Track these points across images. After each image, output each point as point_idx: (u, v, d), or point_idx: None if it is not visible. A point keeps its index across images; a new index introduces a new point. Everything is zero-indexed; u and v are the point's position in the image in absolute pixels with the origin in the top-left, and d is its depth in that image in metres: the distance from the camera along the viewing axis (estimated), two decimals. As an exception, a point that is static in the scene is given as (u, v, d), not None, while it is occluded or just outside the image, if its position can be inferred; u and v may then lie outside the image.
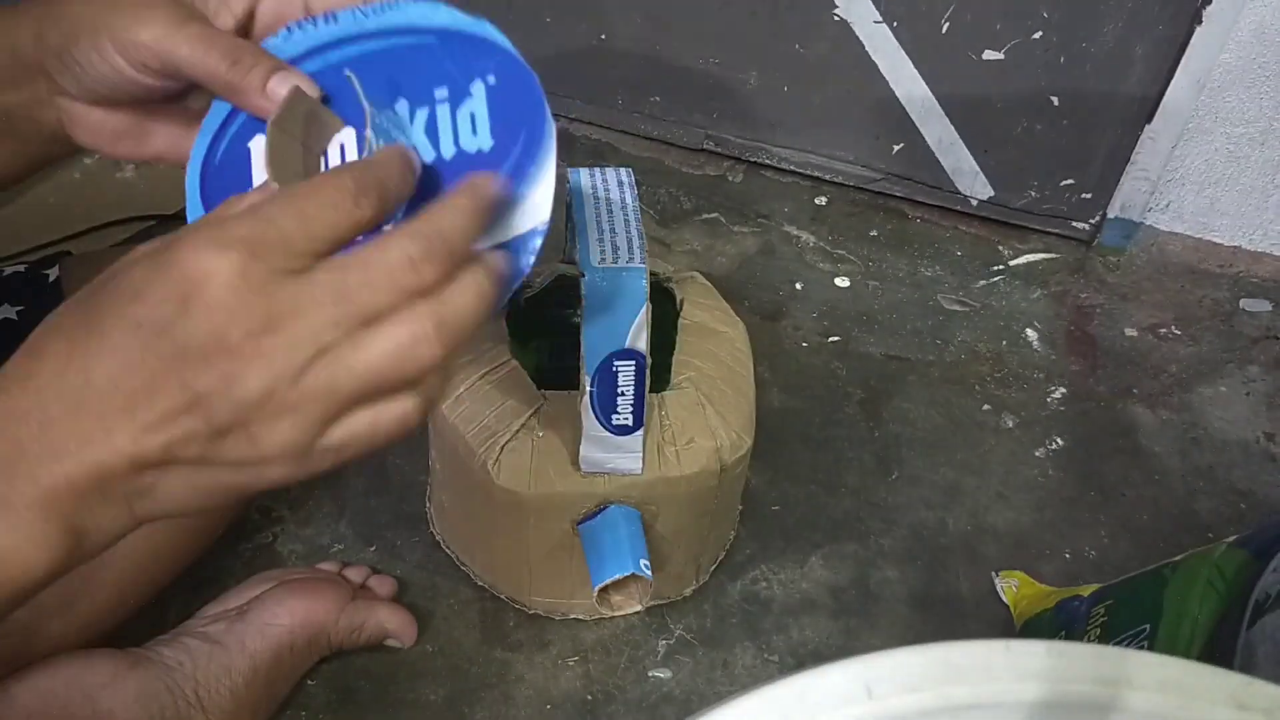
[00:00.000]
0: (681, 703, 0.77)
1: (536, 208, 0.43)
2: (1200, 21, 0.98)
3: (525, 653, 0.78)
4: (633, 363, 0.67)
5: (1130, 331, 1.08)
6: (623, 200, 0.69)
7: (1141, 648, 0.68)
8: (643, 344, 0.66)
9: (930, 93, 1.10)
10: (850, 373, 1.00)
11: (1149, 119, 1.05)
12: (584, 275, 0.64)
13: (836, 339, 1.03)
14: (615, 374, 0.67)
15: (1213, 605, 0.65)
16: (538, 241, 0.43)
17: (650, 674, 0.78)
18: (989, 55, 1.06)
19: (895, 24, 1.06)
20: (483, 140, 0.45)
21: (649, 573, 0.70)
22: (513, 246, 0.43)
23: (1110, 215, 1.12)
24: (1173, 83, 1.02)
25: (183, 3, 0.46)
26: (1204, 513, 0.92)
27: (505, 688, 0.76)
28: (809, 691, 0.38)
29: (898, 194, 1.18)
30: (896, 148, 1.14)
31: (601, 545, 0.71)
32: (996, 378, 1.01)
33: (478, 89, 0.45)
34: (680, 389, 0.75)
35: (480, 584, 0.81)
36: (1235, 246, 1.12)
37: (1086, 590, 0.78)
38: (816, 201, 1.17)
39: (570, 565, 0.75)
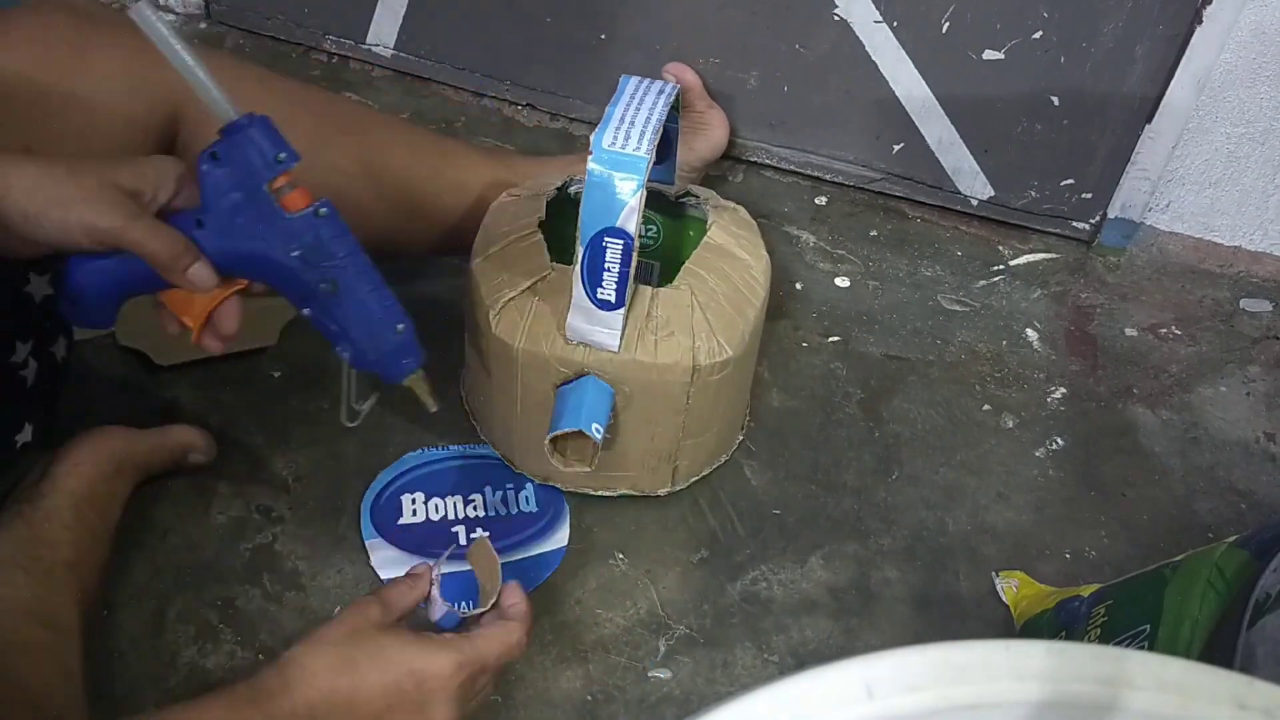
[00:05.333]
0: (681, 703, 0.77)
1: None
2: (1200, 21, 0.98)
3: (525, 652, 0.78)
4: (621, 242, 0.73)
5: (1130, 331, 1.08)
6: (654, 104, 0.75)
7: (1141, 648, 0.68)
8: (633, 226, 0.72)
9: (930, 93, 1.10)
10: (850, 373, 1.00)
11: (1149, 119, 1.05)
12: (591, 154, 0.70)
13: (836, 339, 1.03)
14: (604, 249, 0.73)
15: (1213, 605, 0.65)
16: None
17: (650, 674, 0.78)
18: (989, 55, 1.06)
19: (895, 24, 1.06)
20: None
21: (598, 436, 0.76)
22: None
23: (1110, 215, 1.12)
24: (1173, 83, 1.02)
25: (127, 196, 0.61)
26: (1204, 513, 0.92)
27: (505, 688, 0.76)
28: (809, 691, 0.38)
29: (898, 194, 1.18)
30: (896, 148, 1.14)
31: (564, 404, 0.78)
32: (996, 378, 1.01)
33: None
34: (677, 289, 0.80)
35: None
36: (1235, 246, 1.12)
37: (1086, 590, 0.78)
38: (816, 201, 1.18)
39: (548, 428, 0.81)
